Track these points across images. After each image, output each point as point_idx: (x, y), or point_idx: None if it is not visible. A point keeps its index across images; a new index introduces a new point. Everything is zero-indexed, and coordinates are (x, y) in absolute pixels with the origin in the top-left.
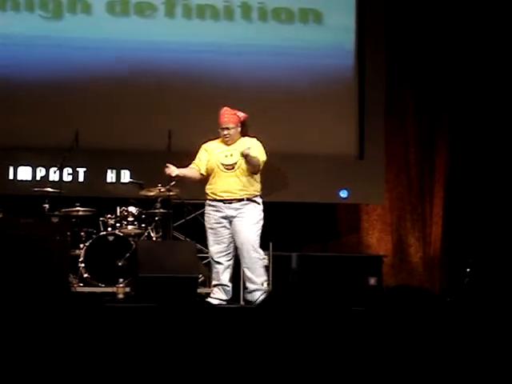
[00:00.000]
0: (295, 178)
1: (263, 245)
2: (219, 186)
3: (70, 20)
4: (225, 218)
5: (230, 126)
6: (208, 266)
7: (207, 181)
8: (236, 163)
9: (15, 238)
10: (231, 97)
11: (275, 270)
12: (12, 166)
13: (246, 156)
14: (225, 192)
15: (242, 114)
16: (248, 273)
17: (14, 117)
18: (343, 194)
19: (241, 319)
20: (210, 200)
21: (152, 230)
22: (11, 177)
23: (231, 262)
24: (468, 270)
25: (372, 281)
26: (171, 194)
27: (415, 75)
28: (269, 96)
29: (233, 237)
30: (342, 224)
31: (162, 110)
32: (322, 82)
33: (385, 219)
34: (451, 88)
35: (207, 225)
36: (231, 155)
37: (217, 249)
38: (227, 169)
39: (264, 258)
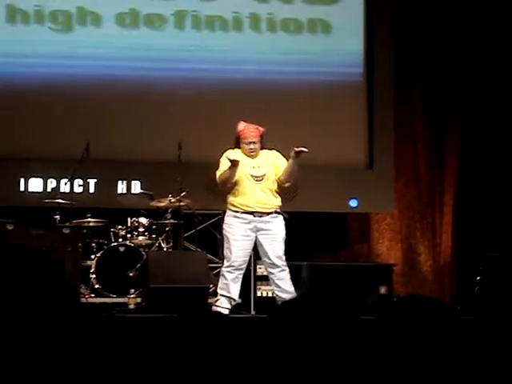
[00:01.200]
0: (305, 187)
1: None
2: (249, 197)
3: (79, 32)
4: (253, 230)
5: (256, 140)
6: (219, 276)
7: (229, 192)
8: (265, 175)
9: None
10: (240, 107)
11: None
12: (23, 177)
13: (299, 153)
14: (256, 203)
15: (261, 128)
16: (281, 284)
17: (25, 128)
18: (353, 203)
19: (252, 329)
20: (237, 212)
21: (163, 240)
22: (22, 188)
23: (241, 276)
24: (478, 278)
25: (382, 290)
26: (182, 204)
27: (424, 84)
28: (278, 106)
29: (255, 250)
30: (351, 233)
31: (173, 120)
32: (330, 92)
33: (394, 228)
34: (461, 97)
35: (231, 236)
36: (259, 167)
37: (236, 262)
38: (257, 180)
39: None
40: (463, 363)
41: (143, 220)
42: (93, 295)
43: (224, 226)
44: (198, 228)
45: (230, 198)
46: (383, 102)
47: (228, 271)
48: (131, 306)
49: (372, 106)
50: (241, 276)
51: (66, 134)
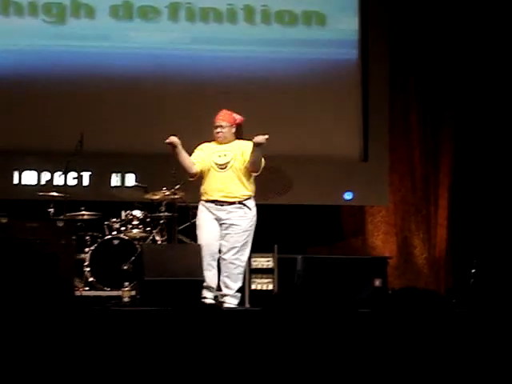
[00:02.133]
0: (300, 180)
1: (268, 247)
2: (211, 185)
3: (73, 24)
4: (216, 219)
5: (224, 123)
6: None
7: (201, 182)
8: (229, 162)
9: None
10: (234, 99)
11: (280, 272)
12: (17, 170)
13: (259, 144)
14: (217, 191)
15: (238, 117)
16: (226, 277)
17: (19, 121)
18: (348, 195)
19: (246, 322)
20: (203, 200)
21: (157, 233)
22: (16, 181)
23: (215, 264)
24: (473, 270)
25: (377, 282)
26: (176, 197)
27: (419, 76)
28: (272, 98)
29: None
30: (346, 226)
31: (167, 113)
32: (325, 84)
33: (389, 221)
34: (456, 89)
35: (198, 223)
36: (225, 155)
37: (206, 248)
38: (221, 168)
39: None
40: (458, 356)
41: (137, 213)
42: (87, 288)
43: (197, 216)
44: (193, 221)
45: (200, 188)
46: (378, 94)
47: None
48: (125, 299)
49: (367, 98)
50: (214, 263)
51: (60, 126)
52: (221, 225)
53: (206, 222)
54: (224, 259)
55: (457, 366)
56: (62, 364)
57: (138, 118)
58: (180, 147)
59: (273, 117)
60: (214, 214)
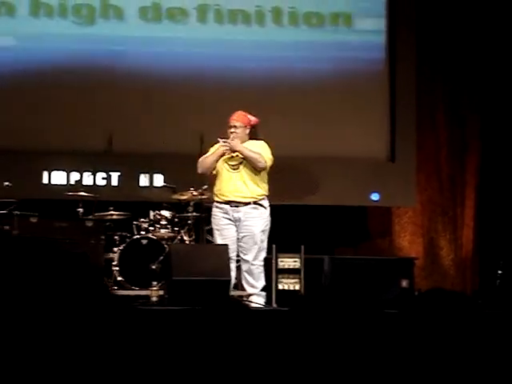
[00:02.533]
0: (326, 180)
1: (295, 248)
2: (225, 186)
3: (102, 25)
4: (232, 220)
5: (238, 124)
6: (239, 269)
7: (214, 183)
8: (241, 163)
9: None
10: (263, 99)
11: (307, 272)
12: (46, 170)
13: (233, 148)
14: (231, 192)
15: (253, 118)
16: (248, 277)
17: (48, 121)
18: (374, 196)
19: (275, 321)
20: (217, 202)
21: (185, 233)
22: (45, 181)
23: (233, 266)
24: (500, 271)
25: (404, 283)
26: (204, 197)
27: (446, 76)
28: (300, 99)
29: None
30: (373, 227)
31: (195, 114)
32: (352, 84)
33: (416, 221)
34: (482, 88)
35: (214, 227)
36: (236, 155)
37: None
38: (233, 169)
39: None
40: (485, 357)
41: (166, 213)
42: (115, 288)
43: (211, 218)
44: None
45: (214, 189)
46: (405, 94)
47: None
48: (154, 299)
49: (394, 98)
50: (232, 266)
51: (89, 126)
52: (237, 226)
53: (222, 227)
54: (245, 260)
55: (484, 366)
56: (90, 360)
57: (166, 119)
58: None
59: (300, 118)
60: (230, 215)
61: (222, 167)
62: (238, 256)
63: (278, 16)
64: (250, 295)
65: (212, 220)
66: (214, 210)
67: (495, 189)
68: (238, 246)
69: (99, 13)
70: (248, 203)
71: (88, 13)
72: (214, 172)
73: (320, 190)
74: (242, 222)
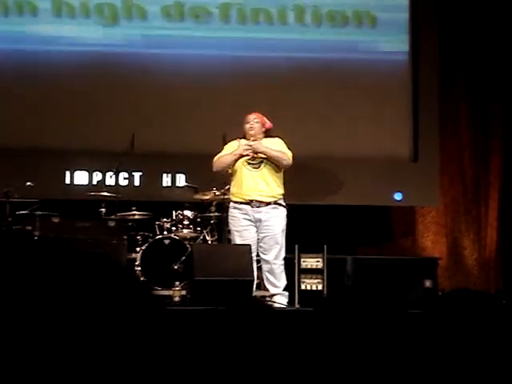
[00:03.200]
0: (350, 180)
1: (318, 247)
2: (246, 184)
3: (125, 25)
4: (252, 221)
5: (256, 120)
6: (261, 269)
7: (231, 183)
8: (262, 162)
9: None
10: (284, 98)
11: (330, 272)
12: (68, 170)
13: (256, 150)
14: (253, 191)
15: (268, 122)
16: (270, 277)
17: (71, 121)
18: (398, 196)
19: (298, 322)
20: (236, 202)
21: (207, 233)
22: (68, 181)
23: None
24: None
25: (427, 283)
26: (226, 197)
27: (469, 76)
28: (323, 98)
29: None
30: (396, 226)
31: (217, 113)
32: (375, 84)
33: (439, 222)
34: (506, 90)
35: (233, 228)
36: (257, 154)
37: None
38: (254, 168)
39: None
40: (510, 356)
41: (188, 213)
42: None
43: (229, 219)
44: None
45: (231, 189)
46: (428, 95)
47: None
48: (176, 299)
49: (417, 98)
50: (254, 266)
51: (111, 126)
52: (257, 226)
53: (242, 228)
54: (266, 261)
55: (508, 366)
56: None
57: (188, 118)
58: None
59: (324, 118)
60: (250, 216)
61: (242, 166)
62: (257, 256)
63: (301, 14)
64: (274, 295)
65: (230, 221)
66: (233, 211)
67: None
68: (259, 246)
69: (122, 13)
70: (269, 203)
71: (111, 12)
72: (230, 171)
73: (343, 189)
74: (263, 222)
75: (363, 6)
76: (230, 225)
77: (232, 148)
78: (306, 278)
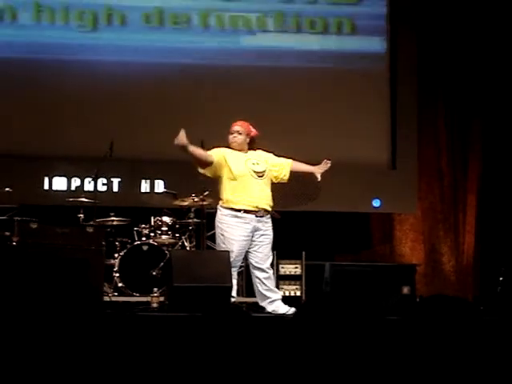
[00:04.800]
0: (328, 187)
1: (296, 254)
2: (254, 193)
3: (105, 31)
4: (251, 230)
5: (241, 130)
6: (241, 275)
7: (232, 190)
8: (265, 171)
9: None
10: (264, 104)
11: (308, 279)
12: (47, 176)
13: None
14: (261, 199)
15: (253, 130)
16: (269, 284)
17: (50, 127)
18: (376, 203)
19: (275, 328)
20: (238, 211)
21: (186, 239)
22: (46, 187)
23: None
24: (501, 278)
25: (405, 290)
26: (205, 203)
27: (447, 83)
28: (301, 105)
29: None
30: (374, 233)
31: (195, 120)
32: (354, 91)
33: (417, 228)
34: (483, 96)
35: (231, 237)
36: (258, 163)
37: (236, 262)
38: (259, 176)
39: None
40: (486, 362)
41: (166, 219)
42: (116, 294)
43: (221, 226)
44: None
45: (230, 196)
46: (406, 101)
47: None
48: (154, 305)
49: (395, 105)
50: (234, 273)
51: (90, 133)
52: (253, 235)
53: (241, 238)
54: (262, 269)
55: (484, 372)
56: (89, 367)
57: (167, 125)
58: (188, 143)
59: (302, 124)
60: (251, 225)
61: (248, 174)
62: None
63: (280, 21)
64: (274, 300)
65: (226, 229)
66: (231, 219)
67: (496, 196)
68: (253, 255)
69: (102, 18)
70: (269, 213)
71: (91, 18)
72: (233, 178)
73: (321, 196)
74: (260, 231)
75: (343, 13)
76: (226, 232)
77: (222, 153)
78: (284, 284)
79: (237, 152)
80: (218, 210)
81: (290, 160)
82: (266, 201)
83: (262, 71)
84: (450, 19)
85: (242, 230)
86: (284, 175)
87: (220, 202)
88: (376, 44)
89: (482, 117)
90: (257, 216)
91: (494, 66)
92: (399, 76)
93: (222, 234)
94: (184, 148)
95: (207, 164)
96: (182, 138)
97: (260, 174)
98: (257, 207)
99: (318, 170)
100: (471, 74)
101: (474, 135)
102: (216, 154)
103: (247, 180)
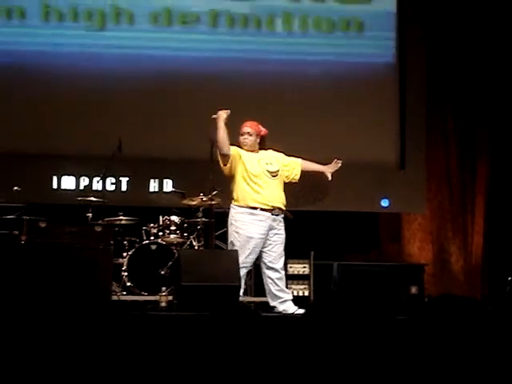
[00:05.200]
0: (337, 187)
1: (305, 254)
2: (267, 192)
3: (113, 31)
4: (267, 229)
5: (251, 131)
6: (249, 274)
7: (249, 189)
8: (278, 171)
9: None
10: (272, 104)
11: (316, 278)
12: (56, 175)
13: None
14: (277, 198)
15: (263, 129)
16: (281, 284)
17: (58, 126)
18: (384, 203)
19: (284, 328)
20: (255, 209)
21: (194, 238)
22: (55, 186)
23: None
24: (509, 278)
25: (413, 290)
26: (213, 203)
27: (456, 84)
28: (310, 105)
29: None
30: (383, 233)
31: (204, 119)
32: (363, 91)
33: (426, 228)
34: (492, 98)
35: (248, 235)
36: (271, 163)
37: (250, 260)
38: (273, 176)
39: None
40: (494, 361)
41: (175, 218)
42: (124, 293)
43: (236, 224)
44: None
45: (246, 195)
46: (415, 101)
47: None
48: (163, 304)
49: (404, 106)
50: (242, 272)
51: (99, 132)
52: (268, 235)
53: (259, 236)
54: (276, 269)
55: (492, 371)
56: (97, 366)
57: (176, 124)
58: (223, 123)
59: (310, 123)
60: (267, 224)
61: (262, 174)
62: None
63: (289, 21)
64: (286, 301)
65: (244, 228)
66: (247, 217)
67: (505, 196)
68: (268, 254)
69: (110, 18)
70: (283, 211)
71: (99, 18)
72: (248, 177)
73: (330, 196)
74: (276, 230)
75: (351, 12)
76: (242, 230)
77: (232, 148)
78: (292, 283)
79: (250, 153)
80: (232, 209)
81: (300, 159)
82: (280, 200)
83: (270, 70)
84: (459, 19)
85: (259, 228)
86: (295, 175)
87: (233, 202)
88: (385, 42)
89: (490, 118)
90: (272, 214)
91: (503, 69)
92: (408, 77)
93: (237, 232)
94: (220, 121)
95: (225, 153)
96: (224, 114)
97: (274, 174)
98: (272, 206)
99: (328, 170)
100: (481, 76)
101: (482, 136)
102: (233, 149)
103: (262, 180)
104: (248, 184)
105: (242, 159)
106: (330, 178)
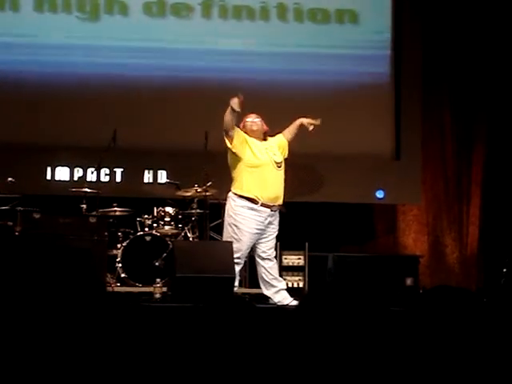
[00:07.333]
0: (332, 178)
1: (299, 245)
2: (271, 185)
3: (107, 21)
4: (265, 224)
5: (259, 120)
6: (244, 266)
7: (250, 177)
8: (282, 162)
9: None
10: (268, 97)
11: (311, 270)
12: (50, 166)
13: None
14: (276, 192)
15: (265, 126)
16: (274, 273)
17: (52, 117)
18: (380, 194)
19: (278, 319)
20: (256, 203)
21: (189, 230)
22: (49, 177)
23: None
24: (505, 270)
25: (408, 281)
26: (208, 194)
27: (452, 73)
28: (306, 97)
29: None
30: (378, 224)
31: (199, 110)
32: (358, 81)
33: (421, 219)
34: (488, 86)
35: (246, 229)
36: (275, 154)
37: (245, 254)
38: (278, 167)
39: None
40: (490, 354)
41: (169, 209)
42: (119, 284)
43: (235, 217)
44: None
45: (250, 186)
46: (411, 91)
47: (236, 263)
48: (157, 296)
49: (400, 96)
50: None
51: (93, 123)
52: (266, 227)
53: (256, 231)
54: (267, 259)
55: (488, 364)
56: (91, 358)
57: (170, 115)
58: (239, 107)
59: (305, 115)
60: (266, 219)
61: (270, 164)
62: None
63: (283, 12)
64: (280, 290)
65: (242, 221)
66: (247, 211)
67: (501, 187)
68: (262, 245)
69: (104, 8)
70: (280, 205)
71: (92, 8)
72: (254, 165)
73: (325, 187)
74: (271, 222)
75: (346, 4)
76: (240, 224)
77: (236, 129)
78: (287, 275)
79: (254, 140)
80: (232, 200)
81: (282, 135)
82: (281, 196)
83: (264, 64)
84: (455, 9)
85: (257, 224)
86: (286, 153)
87: (234, 190)
88: (380, 34)
89: (486, 108)
90: (272, 210)
91: (499, 59)
92: (404, 66)
93: (236, 225)
94: (234, 104)
95: (230, 130)
96: (239, 101)
97: (279, 165)
98: (273, 203)
99: (304, 121)
100: (477, 66)
101: (478, 127)
102: (240, 132)
103: (268, 170)
104: (253, 174)
105: (249, 144)
106: (310, 128)
